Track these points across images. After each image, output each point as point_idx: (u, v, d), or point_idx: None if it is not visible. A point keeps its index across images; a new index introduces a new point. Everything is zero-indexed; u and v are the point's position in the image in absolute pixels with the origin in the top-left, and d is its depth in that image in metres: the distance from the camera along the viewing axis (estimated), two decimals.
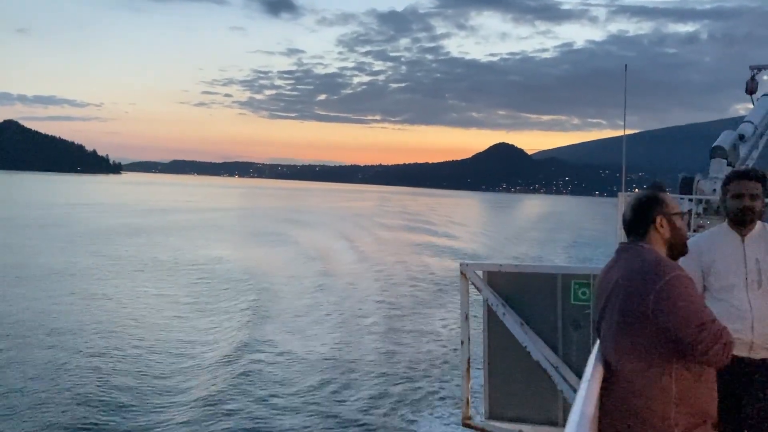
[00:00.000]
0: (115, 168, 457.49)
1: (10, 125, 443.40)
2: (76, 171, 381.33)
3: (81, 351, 14.72)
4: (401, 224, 66.97)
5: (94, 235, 40.63)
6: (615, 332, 2.71)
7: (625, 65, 9.43)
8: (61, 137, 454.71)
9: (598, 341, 2.92)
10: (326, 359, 14.84)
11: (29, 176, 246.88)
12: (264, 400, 12.18)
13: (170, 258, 31.44)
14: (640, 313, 2.59)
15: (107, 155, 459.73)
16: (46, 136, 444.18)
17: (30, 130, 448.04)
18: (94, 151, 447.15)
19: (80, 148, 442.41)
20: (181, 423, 11.00)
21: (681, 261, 2.84)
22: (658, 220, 2.81)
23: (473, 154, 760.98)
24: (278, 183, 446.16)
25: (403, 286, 25.93)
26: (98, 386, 12.41)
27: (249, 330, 17.22)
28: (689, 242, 3.05)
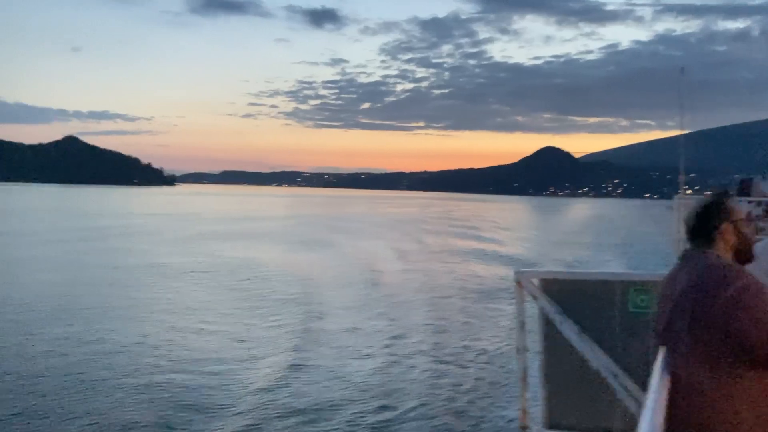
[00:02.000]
0: (170, 180, 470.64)
1: (71, 141, 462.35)
2: (132, 183, 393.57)
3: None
4: (447, 230, 66.86)
5: (192, 240, 46.50)
6: (684, 341, 2.66)
7: (682, 68, 9.28)
8: (118, 151, 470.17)
9: (662, 349, 2.87)
10: (376, 367, 14.79)
11: (94, 189, 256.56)
12: (316, 400, 12.34)
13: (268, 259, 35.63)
14: (711, 321, 2.54)
15: (162, 168, 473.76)
16: (104, 150, 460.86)
17: (89, 144, 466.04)
18: (149, 164, 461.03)
19: (136, 161, 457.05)
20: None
21: (748, 267, 2.79)
22: (723, 227, 2.76)
23: (519, 158, 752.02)
24: (325, 191, 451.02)
25: (451, 294, 25.67)
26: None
27: (301, 336, 17.43)
28: (756, 247, 2.99)
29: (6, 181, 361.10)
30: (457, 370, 14.81)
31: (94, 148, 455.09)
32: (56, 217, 74.24)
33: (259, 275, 29.99)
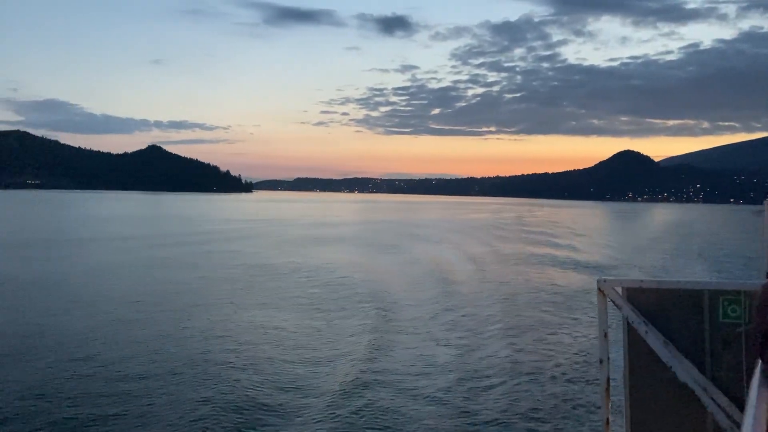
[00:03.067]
0: (247, 187, 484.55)
1: (154, 150, 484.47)
2: (212, 190, 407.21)
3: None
4: (521, 236, 65.87)
5: (291, 243, 51.41)
6: None
7: None
8: (198, 159, 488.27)
9: (760, 364, 2.79)
10: (455, 377, 14.71)
11: (180, 196, 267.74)
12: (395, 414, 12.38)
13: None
14: None
15: (240, 175, 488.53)
16: (185, 158, 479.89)
17: (171, 153, 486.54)
18: (228, 172, 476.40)
19: (215, 169, 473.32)
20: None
21: None
22: None
23: (595, 162, 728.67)
24: (396, 197, 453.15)
25: (527, 301, 25.20)
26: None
27: (374, 346, 17.55)
28: None
29: (94, 189, 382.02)
30: (537, 379, 14.58)
31: (176, 156, 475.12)
32: (163, 222, 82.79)
33: (342, 278, 31.23)
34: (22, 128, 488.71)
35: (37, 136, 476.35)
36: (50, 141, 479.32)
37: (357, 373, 14.69)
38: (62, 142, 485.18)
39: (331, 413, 12.13)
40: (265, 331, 19.35)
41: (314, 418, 11.93)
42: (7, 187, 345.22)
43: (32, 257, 37.99)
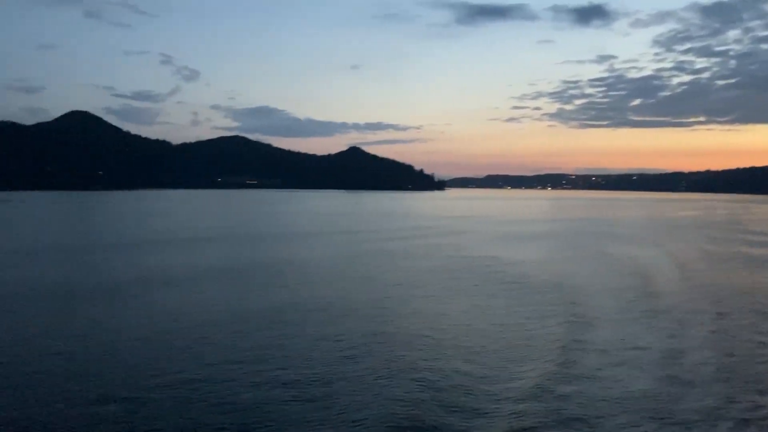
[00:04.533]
0: (440, 185, 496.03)
1: (354, 151, 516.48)
2: (407, 189, 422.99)
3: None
4: (737, 237, 62.02)
5: (501, 239, 56.61)
6: None
7: None
8: (393, 159, 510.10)
9: None
10: (652, 387, 14.85)
11: (379, 194, 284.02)
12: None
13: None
14: None
15: (433, 174, 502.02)
16: (382, 158, 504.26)
17: (369, 154, 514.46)
18: (421, 170, 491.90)
19: (410, 168, 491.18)
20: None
21: None
22: None
23: None
24: (592, 194, 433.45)
25: (743, 310, 24.25)
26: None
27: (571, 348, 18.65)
28: None
29: (301, 188, 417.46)
30: (752, 398, 14.17)
31: (374, 157, 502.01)
32: (374, 219, 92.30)
33: (541, 275, 33.92)
34: (240, 133, 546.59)
35: (252, 140, 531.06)
36: (263, 144, 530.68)
37: (556, 367, 16.19)
38: (273, 145, 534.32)
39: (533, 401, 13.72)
40: (485, 317, 23.39)
41: (520, 404, 13.66)
42: (229, 186, 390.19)
43: (288, 247, 46.56)
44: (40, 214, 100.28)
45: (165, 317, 22.20)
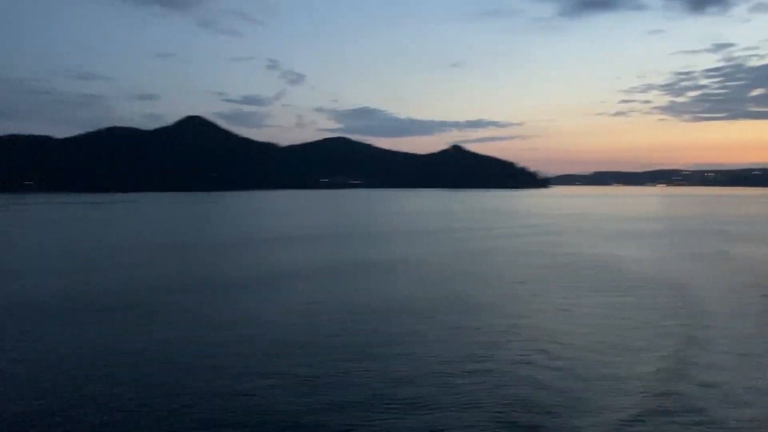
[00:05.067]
0: (543, 182, 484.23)
1: (456, 150, 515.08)
2: (509, 187, 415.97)
3: None
4: None
5: (613, 238, 56.10)
6: None
7: None
8: (497, 157, 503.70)
9: None
10: None
11: (481, 193, 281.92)
12: None
13: None
14: None
15: (536, 171, 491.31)
16: (483, 156, 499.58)
17: (471, 152, 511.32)
18: (524, 168, 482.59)
19: (511, 165, 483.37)
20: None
21: None
22: None
23: None
24: (707, 190, 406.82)
25: None
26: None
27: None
28: None
29: (403, 187, 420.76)
30: None
31: (475, 155, 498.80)
32: (487, 216, 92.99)
33: (656, 276, 33.20)
34: (342, 134, 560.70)
35: (355, 141, 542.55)
36: (365, 145, 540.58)
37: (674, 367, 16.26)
38: (375, 145, 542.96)
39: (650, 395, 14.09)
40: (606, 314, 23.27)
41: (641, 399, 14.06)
42: (333, 186, 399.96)
43: (403, 244, 47.82)
44: (168, 213, 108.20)
45: (303, 308, 23.83)
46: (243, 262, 38.51)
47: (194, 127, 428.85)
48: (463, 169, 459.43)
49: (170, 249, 46.33)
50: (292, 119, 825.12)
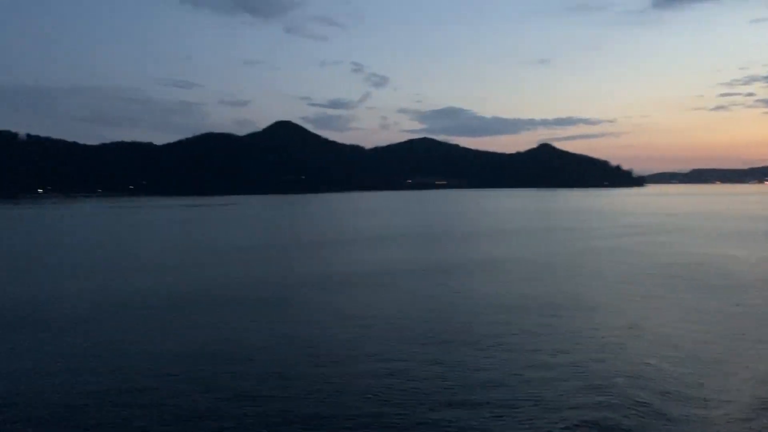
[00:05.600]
0: (639, 181, 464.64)
1: (544, 148, 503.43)
2: (602, 186, 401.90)
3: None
4: None
5: (721, 237, 53.32)
6: None
7: None
8: (588, 155, 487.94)
9: None
10: None
11: (575, 192, 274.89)
12: None
13: None
14: None
15: (631, 169, 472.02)
16: (574, 155, 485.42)
17: (561, 150, 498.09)
18: (618, 166, 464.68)
19: (605, 163, 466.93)
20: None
21: None
22: None
23: None
24: None
25: None
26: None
27: None
28: None
29: (489, 187, 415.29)
30: None
31: (566, 153, 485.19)
32: (584, 216, 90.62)
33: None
34: (427, 135, 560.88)
35: (439, 141, 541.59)
36: (451, 145, 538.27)
37: None
38: (460, 145, 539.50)
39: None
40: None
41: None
42: (419, 187, 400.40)
43: (502, 244, 47.40)
44: (267, 214, 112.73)
45: (416, 304, 24.28)
46: (356, 258, 39.81)
47: (284, 132, 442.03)
48: (553, 168, 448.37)
49: (284, 248, 48.17)
50: (376, 121, 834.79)
